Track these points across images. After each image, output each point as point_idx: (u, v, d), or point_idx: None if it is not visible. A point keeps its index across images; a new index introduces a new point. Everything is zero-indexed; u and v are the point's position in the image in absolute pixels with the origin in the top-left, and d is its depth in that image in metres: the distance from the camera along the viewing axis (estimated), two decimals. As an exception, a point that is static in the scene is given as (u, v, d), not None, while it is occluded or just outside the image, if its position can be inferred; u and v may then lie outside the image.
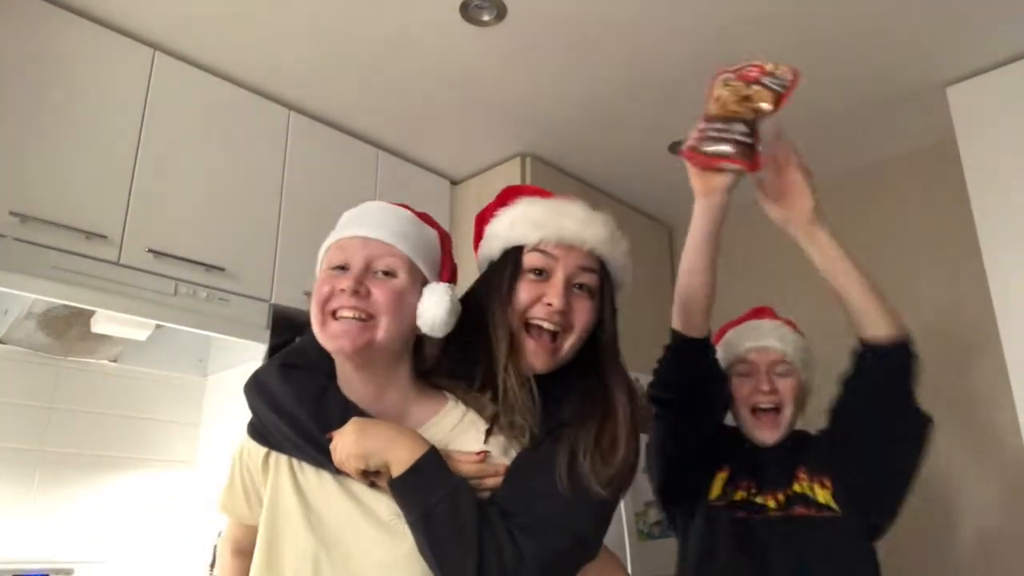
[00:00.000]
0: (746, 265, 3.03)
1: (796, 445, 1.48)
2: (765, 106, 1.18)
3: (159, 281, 1.93)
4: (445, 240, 1.09)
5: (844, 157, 2.72)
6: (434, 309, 0.98)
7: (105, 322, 1.91)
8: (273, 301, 2.14)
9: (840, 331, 1.35)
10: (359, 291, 0.95)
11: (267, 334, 2.08)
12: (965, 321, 2.39)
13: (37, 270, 1.73)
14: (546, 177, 2.74)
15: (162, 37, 2.08)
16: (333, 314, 0.97)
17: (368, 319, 0.96)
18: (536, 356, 1.03)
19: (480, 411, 1.01)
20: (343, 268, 0.98)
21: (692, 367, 1.35)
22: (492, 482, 0.94)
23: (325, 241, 1.04)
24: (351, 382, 1.00)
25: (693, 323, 1.32)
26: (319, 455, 0.96)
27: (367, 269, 0.98)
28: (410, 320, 0.99)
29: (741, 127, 1.18)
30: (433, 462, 0.92)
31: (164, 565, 2.17)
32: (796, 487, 1.41)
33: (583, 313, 1.05)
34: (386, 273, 0.98)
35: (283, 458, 1.01)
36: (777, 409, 1.47)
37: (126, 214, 1.93)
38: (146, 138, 2.01)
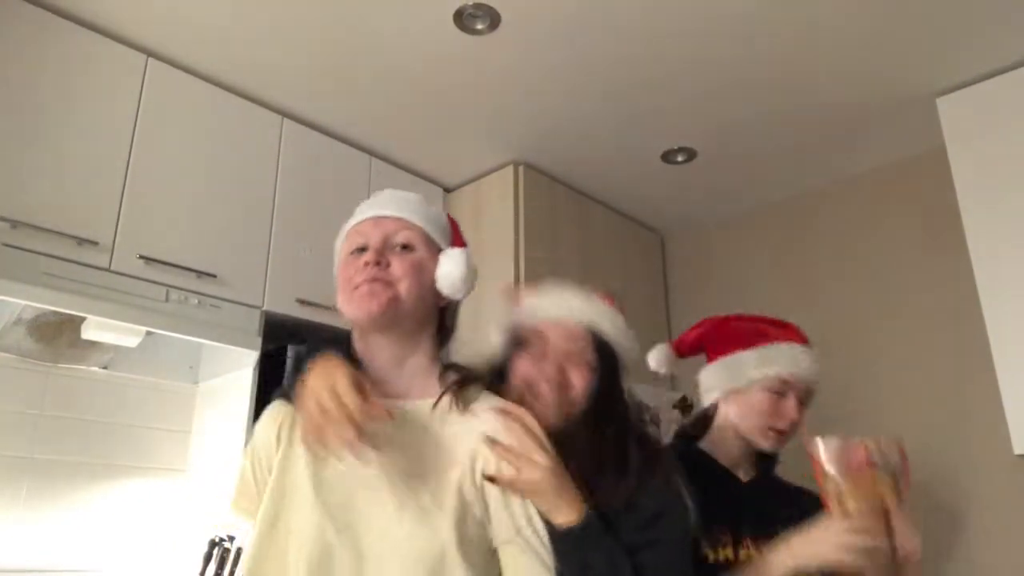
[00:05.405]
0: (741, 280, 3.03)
1: (771, 491, 1.40)
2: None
3: (150, 288, 1.92)
4: (453, 224, 1.16)
5: (834, 166, 2.73)
6: (452, 270, 1.04)
7: (95, 329, 1.90)
8: (265, 308, 2.13)
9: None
10: (380, 262, 1.01)
11: (259, 341, 2.06)
12: (955, 330, 2.40)
13: (27, 276, 1.72)
14: (539, 185, 2.75)
15: (155, 43, 2.08)
16: (357, 289, 1.01)
17: (389, 283, 1.00)
18: (542, 409, 1.07)
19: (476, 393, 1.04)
20: (362, 250, 1.03)
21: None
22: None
23: (341, 231, 1.11)
24: (373, 348, 1.04)
25: None
26: None
27: (385, 244, 1.03)
28: (431, 288, 1.04)
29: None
30: (597, 521, 0.95)
31: (154, 573, 2.15)
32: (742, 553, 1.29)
33: (579, 378, 1.10)
34: (404, 247, 1.04)
35: (297, 432, 1.00)
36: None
37: (117, 220, 1.92)
38: (138, 144, 2.00)
